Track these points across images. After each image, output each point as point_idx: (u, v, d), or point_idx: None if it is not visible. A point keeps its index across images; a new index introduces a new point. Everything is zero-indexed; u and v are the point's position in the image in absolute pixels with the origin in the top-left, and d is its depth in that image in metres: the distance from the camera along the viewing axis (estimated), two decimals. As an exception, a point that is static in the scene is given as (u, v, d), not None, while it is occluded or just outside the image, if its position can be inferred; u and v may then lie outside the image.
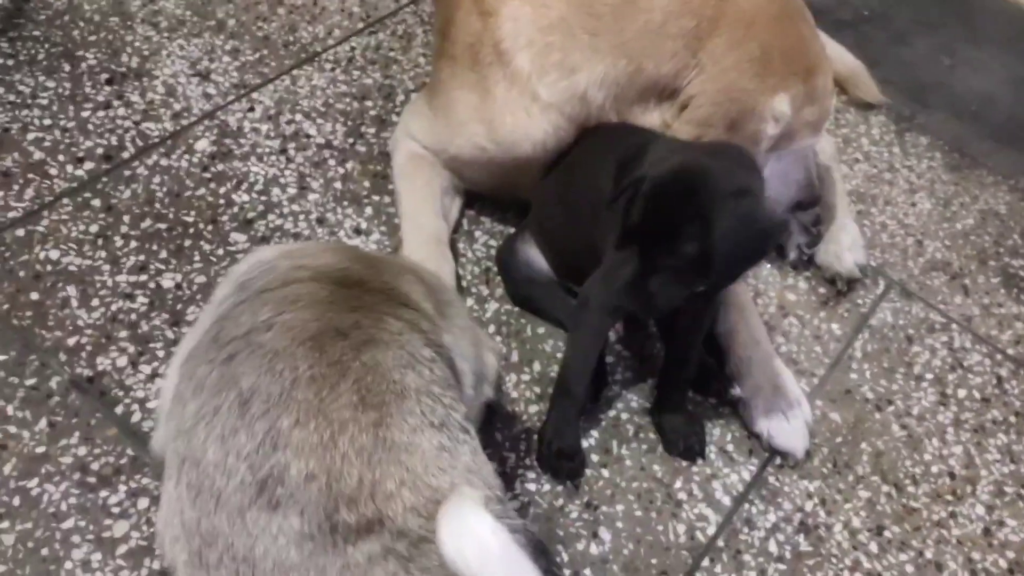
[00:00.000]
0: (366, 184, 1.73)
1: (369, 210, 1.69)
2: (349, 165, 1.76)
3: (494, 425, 1.44)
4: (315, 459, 0.87)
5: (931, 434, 1.58)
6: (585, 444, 1.44)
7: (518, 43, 1.49)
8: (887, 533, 1.43)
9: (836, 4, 2.41)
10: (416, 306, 1.08)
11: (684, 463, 1.45)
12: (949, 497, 1.50)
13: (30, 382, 1.37)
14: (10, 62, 1.79)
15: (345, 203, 1.69)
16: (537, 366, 1.53)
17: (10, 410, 1.34)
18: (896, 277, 1.81)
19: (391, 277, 1.10)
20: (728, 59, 1.41)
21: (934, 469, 1.53)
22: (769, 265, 1.76)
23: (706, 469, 1.46)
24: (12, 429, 1.32)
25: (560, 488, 1.39)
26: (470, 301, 1.60)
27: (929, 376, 1.66)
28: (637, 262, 1.19)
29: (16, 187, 1.60)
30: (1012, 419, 1.61)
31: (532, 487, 1.39)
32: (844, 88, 2.15)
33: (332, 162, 1.75)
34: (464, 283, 1.62)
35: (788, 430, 1.47)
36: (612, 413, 1.49)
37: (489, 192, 1.72)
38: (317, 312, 0.98)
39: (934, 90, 2.23)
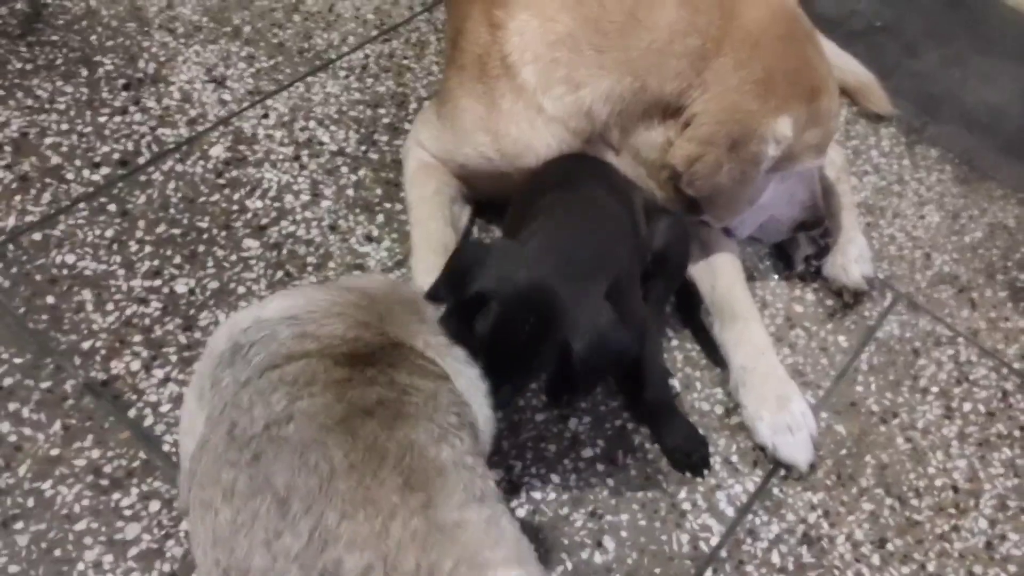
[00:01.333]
0: (378, 191, 1.75)
1: (381, 217, 1.71)
2: (362, 172, 1.78)
3: (500, 434, 1.45)
4: (369, 550, 0.86)
5: (935, 447, 1.59)
6: (590, 453, 1.46)
7: (525, 57, 1.50)
8: (890, 546, 1.44)
9: (847, 14, 2.42)
10: (432, 361, 1.06)
11: (689, 474, 1.47)
12: (952, 511, 1.51)
13: (45, 385, 1.40)
14: (28, 67, 1.82)
15: (357, 210, 1.71)
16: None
17: (25, 412, 1.37)
18: (903, 290, 1.82)
19: (399, 329, 1.07)
20: (732, 79, 1.42)
21: (938, 482, 1.54)
22: (776, 276, 1.77)
23: (710, 480, 1.47)
24: (27, 431, 1.35)
25: (565, 496, 1.41)
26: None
27: (935, 389, 1.67)
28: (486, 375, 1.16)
29: (33, 191, 1.62)
30: (1017, 433, 1.62)
31: (538, 495, 1.40)
32: (854, 99, 2.16)
33: (345, 169, 1.77)
34: (473, 291, 1.64)
35: (793, 442, 1.48)
36: (618, 422, 1.51)
37: (498, 200, 1.73)
38: (336, 394, 0.96)
39: (944, 102, 2.24)
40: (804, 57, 1.47)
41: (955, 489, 1.54)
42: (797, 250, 1.75)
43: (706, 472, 1.47)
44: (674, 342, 1.63)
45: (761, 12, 1.45)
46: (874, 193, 1.99)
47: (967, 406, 1.65)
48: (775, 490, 1.48)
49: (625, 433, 1.50)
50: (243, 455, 0.92)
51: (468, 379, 1.11)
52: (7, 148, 1.67)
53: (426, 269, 1.57)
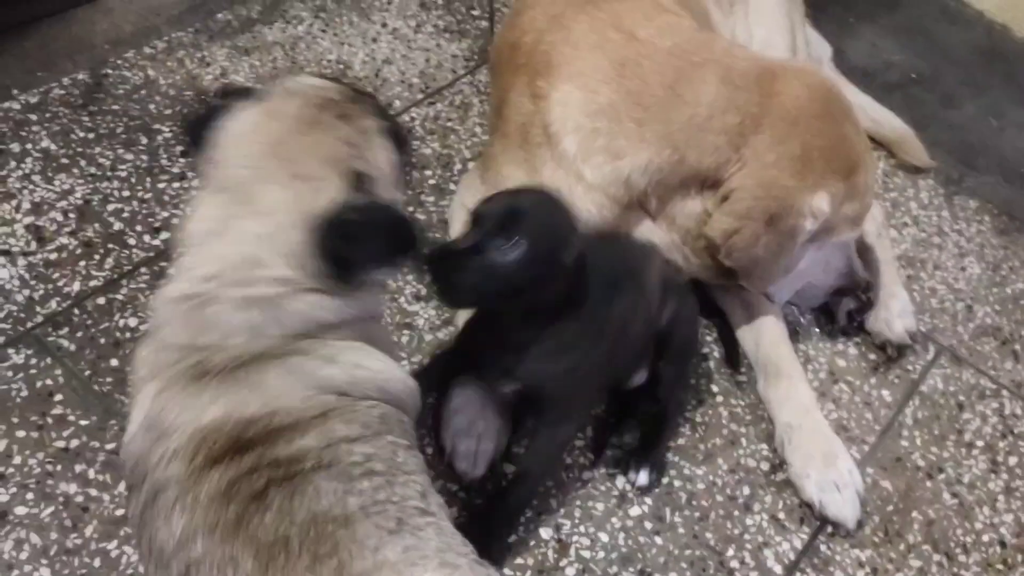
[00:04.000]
0: (425, 252, 1.80)
1: (428, 276, 1.75)
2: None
3: (548, 492, 1.48)
4: None
5: (982, 502, 1.59)
6: (638, 511, 1.48)
7: (567, 126, 1.55)
8: (939, 604, 1.45)
9: (883, 67, 2.45)
10: (313, 406, 1.03)
11: (736, 531, 1.48)
12: (1000, 566, 1.51)
13: (110, 446, 1.45)
14: (91, 135, 1.90)
15: (405, 269, 1.76)
16: (590, 431, 1.57)
17: (91, 473, 1.42)
18: (946, 343, 1.82)
19: (258, 390, 1.02)
20: (770, 156, 1.45)
21: (985, 538, 1.54)
22: (819, 331, 1.79)
23: (758, 537, 1.48)
24: (93, 492, 1.40)
25: (614, 555, 1.43)
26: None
27: (980, 443, 1.67)
28: None
29: (97, 257, 1.69)
30: (1065, 488, 1.62)
31: (587, 554, 1.43)
32: (892, 152, 2.18)
33: (392, 230, 1.82)
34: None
35: (839, 499, 1.49)
36: (664, 480, 1.53)
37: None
38: (225, 495, 0.96)
39: (983, 152, 2.26)
40: (841, 134, 1.50)
41: (1003, 544, 1.54)
42: (839, 305, 1.77)
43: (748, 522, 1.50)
44: (719, 398, 1.65)
45: (799, 91, 1.49)
46: (914, 245, 2.01)
47: (1013, 460, 1.66)
48: (822, 547, 1.49)
49: (672, 490, 1.52)
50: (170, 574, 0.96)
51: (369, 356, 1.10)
52: (71, 215, 1.75)
53: (473, 328, 1.62)
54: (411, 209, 1.87)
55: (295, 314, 1.05)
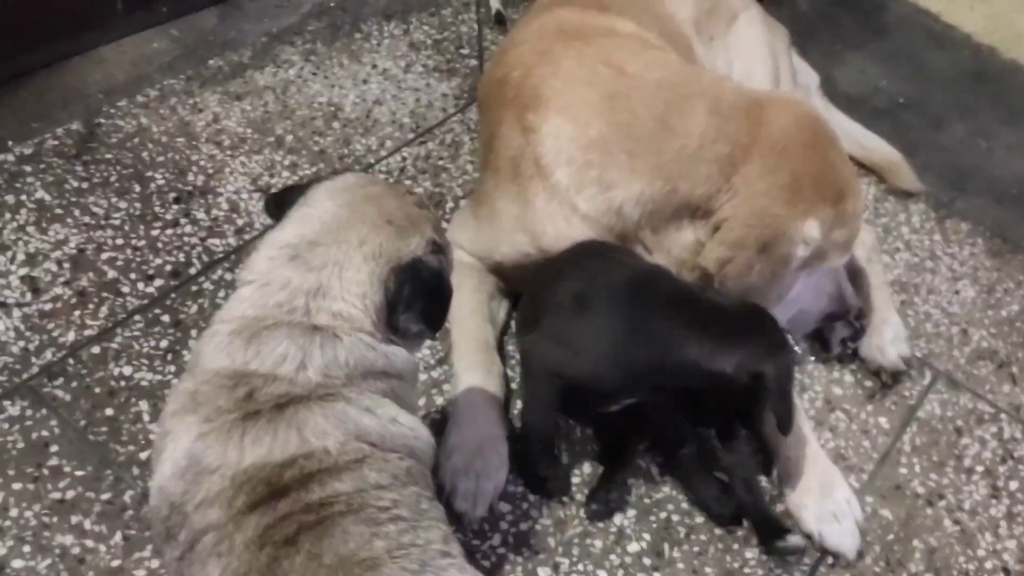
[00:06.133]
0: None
1: (422, 316, 1.76)
2: (402, 273, 1.83)
3: (545, 530, 1.47)
4: None
5: (984, 528, 1.58)
6: (636, 547, 1.47)
7: (559, 159, 1.56)
8: (943, 634, 1.43)
9: (871, 92, 2.47)
10: (349, 452, 1.05)
11: (736, 564, 1.47)
12: (1005, 594, 1.49)
13: (105, 496, 1.45)
14: (84, 185, 1.91)
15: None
16: (587, 467, 1.57)
17: (87, 524, 1.42)
18: (942, 367, 1.82)
19: (295, 440, 1.04)
20: (760, 184, 1.47)
21: (988, 564, 1.53)
22: (813, 359, 1.79)
23: (758, 571, 1.47)
24: (89, 543, 1.40)
25: (613, 592, 1.42)
26: (520, 404, 1.65)
27: (980, 468, 1.66)
28: None
29: (91, 306, 1.70)
30: (1067, 512, 1.61)
31: (586, 592, 1.42)
32: (883, 177, 2.19)
33: (386, 270, 1.83)
34: (514, 385, 1.67)
35: (839, 530, 1.49)
36: (663, 515, 1.52)
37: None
38: (257, 544, 0.98)
39: (973, 175, 2.27)
40: (829, 162, 1.52)
41: (1006, 571, 1.53)
42: (833, 332, 1.77)
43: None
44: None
45: (787, 120, 1.51)
46: (907, 270, 2.01)
47: (1013, 484, 1.65)
48: (823, 579, 1.48)
49: (671, 526, 1.51)
50: None
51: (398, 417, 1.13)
52: (66, 265, 1.76)
53: (467, 366, 1.62)
54: (404, 249, 1.88)
55: (346, 351, 1.09)
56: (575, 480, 1.55)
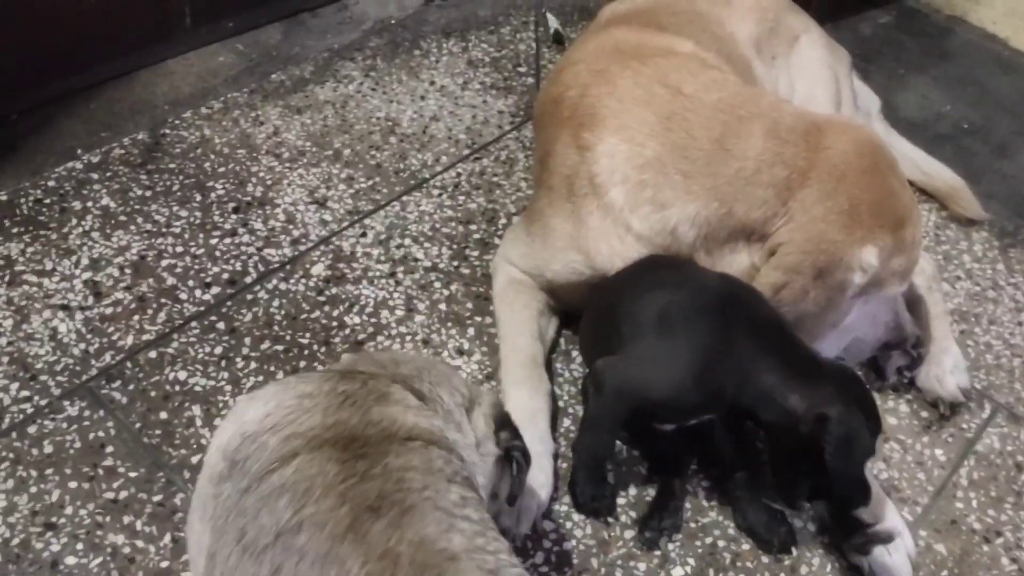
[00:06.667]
0: (469, 305, 1.82)
1: (471, 331, 1.77)
2: (453, 287, 1.85)
3: (589, 551, 1.46)
4: None
5: (1044, 568, 1.53)
6: (681, 572, 1.46)
7: (613, 178, 1.56)
8: (998, 675, 1.39)
9: (935, 118, 2.43)
10: (421, 433, 1.10)
11: (782, 593, 1.45)
12: (1065, 637, 1.44)
13: (157, 498, 1.48)
14: (148, 193, 1.96)
15: (449, 324, 1.78)
16: (633, 489, 1.56)
17: (139, 525, 1.44)
18: (1003, 400, 1.77)
19: (378, 409, 1.10)
20: (818, 210, 1.45)
21: (1047, 606, 1.48)
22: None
23: (805, 601, 1.45)
24: (140, 544, 1.42)
25: (656, 617, 1.40)
26: (567, 422, 1.65)
27: (1040, 506, 1.62)
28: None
29: (150, 311, 1.74)
30: None
31: (628, 615, 1.40)
32: (944, 204, 2.15)
33: (437, 284, 1.85)
34: (561, 403, 1.67)
35: (890, 563, 1.45)
36: (708, 540, 1.50)
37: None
38: (338, 496, 0.99)
39: (1039, 204, 2.21)
40: (888, 188, 1.49)
41: (1067, 613, 1.48)
42: (889, 361, 1.73)
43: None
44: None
45: (846, 145, 1.49)
46: (968, 300, 1.96)
47: (1076, 524, 1.59)
48: (873, 613, 1.44)
49: (717, 551, 1.49)
50: (262, 568, 0.96)
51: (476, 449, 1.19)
52: (127, 270, 1.80)
53: (515, 382, 1.62)
54: (455, 264, 1.89)
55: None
56: (620, 501, 1.53)
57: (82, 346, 1.67)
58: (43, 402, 1.58)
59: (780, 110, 1.56)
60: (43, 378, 1.62)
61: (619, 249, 1.58)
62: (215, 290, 1.79)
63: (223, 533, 1.02)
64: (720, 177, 1.50)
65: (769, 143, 1.49)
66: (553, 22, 2.52)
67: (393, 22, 2.50)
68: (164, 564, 1.40)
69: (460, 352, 1.74)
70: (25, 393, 1.59)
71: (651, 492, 1.55)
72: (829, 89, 2.01)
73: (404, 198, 2.02)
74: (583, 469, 1.50)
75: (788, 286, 1.46)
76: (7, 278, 1.77)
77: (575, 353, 1.76)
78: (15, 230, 1.86)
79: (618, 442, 1.60)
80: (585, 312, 1.66)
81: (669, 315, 1.44)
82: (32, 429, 1.54)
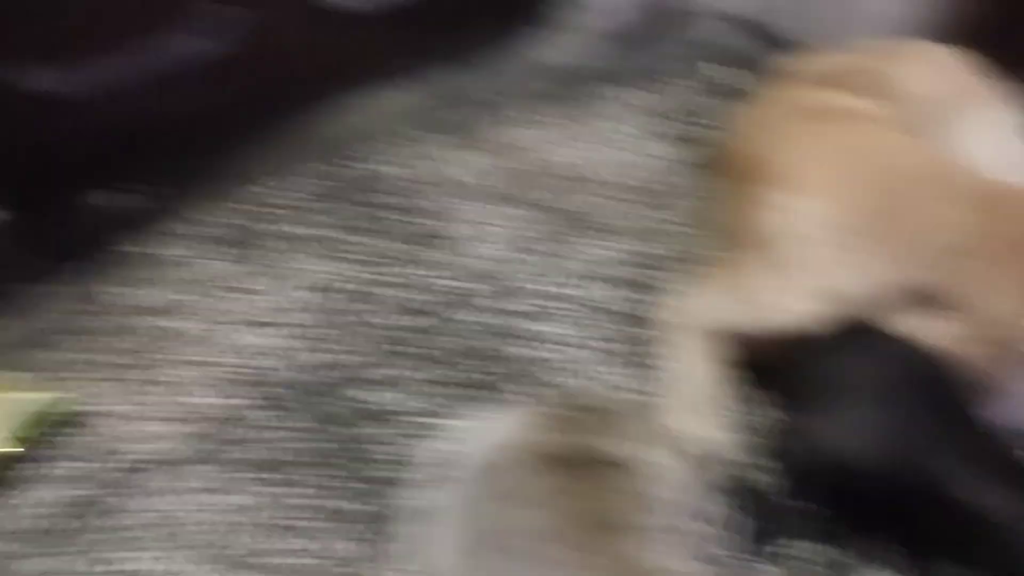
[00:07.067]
0: (643, 350, 1.82)
1: (643, 373, 1.78)
2: (630, 330, 1.86)
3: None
4: None
5: None
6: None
7: (798, 239, 1.61)
8: None
9: None
10: (631, 466, 1.14)
11: None
12: None
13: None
14: (330, 219, 2.09)
15: (626, 366, 1.80)
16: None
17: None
18: None
19: (602, 439, 1.17)
20: (993, 280, 1.49)
21: None
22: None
23: None
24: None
25: None
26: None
27: None
28: None
29: (336, 332, 1.84)
30: None
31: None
32: None
33: (610, 325, 1.88)
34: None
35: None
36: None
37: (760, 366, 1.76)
38: (580, 510, 1.06)
39: None
40: None
41: None
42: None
43: None
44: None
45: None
46: None
47: None
48: None
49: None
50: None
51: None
52: (316, 294, 1.93)
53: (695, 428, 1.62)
54: (630, 306, 1.91)
55: None
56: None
57: (272, 360, 1.79)
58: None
59: (961, 175, 1.62)
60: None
61: (800, 308, 1.59)
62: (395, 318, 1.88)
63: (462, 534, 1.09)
64: (899, 242, 1.54)
65: (947, 209, 1.53)
66: (732, 76, 2.51)
67: (580, 71, 2.54)
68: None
69: (640, 393, 1.74)
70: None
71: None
72: (1015, 154, 1.99)
73: (579, 239, 2.06)
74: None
75: (969, 355, 1.48)
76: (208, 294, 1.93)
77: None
78: (218, 250, 2.02)
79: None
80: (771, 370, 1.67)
81: (863, 381, 1.47)
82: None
